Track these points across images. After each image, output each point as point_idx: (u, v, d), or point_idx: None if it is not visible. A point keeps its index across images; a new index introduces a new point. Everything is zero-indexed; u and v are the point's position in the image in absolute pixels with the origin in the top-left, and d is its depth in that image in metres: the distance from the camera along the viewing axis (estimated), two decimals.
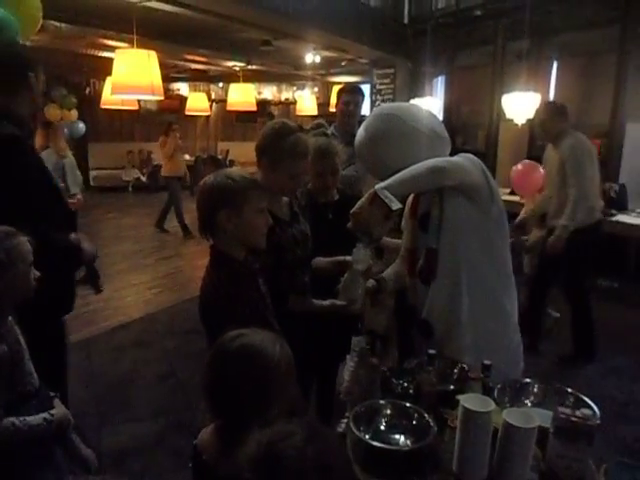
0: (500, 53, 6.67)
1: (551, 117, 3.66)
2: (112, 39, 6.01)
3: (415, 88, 7.66)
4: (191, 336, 3.97)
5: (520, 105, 5.48)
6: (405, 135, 1.74)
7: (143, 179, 11.62)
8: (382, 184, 1.59)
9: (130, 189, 11.28)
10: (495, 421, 1.22)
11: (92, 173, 11.50)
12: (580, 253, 3.62)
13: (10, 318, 1.66)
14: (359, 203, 1.61)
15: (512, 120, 5.63)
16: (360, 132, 1.84)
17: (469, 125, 7.55)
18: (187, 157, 11.99)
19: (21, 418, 1.59)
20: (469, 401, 1.22)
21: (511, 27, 6.26)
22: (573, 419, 1.18)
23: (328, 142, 2.29)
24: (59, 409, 1.75)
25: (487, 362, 1.48)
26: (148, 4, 4.75)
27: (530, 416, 1.18)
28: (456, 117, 7.74)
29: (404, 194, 1.65)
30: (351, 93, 3.39)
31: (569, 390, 1.46)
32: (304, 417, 0.98)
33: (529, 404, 1.50)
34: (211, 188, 1.58)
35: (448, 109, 7.76)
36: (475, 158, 1.70)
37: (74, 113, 8.06)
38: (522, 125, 5.71)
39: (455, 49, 7.51)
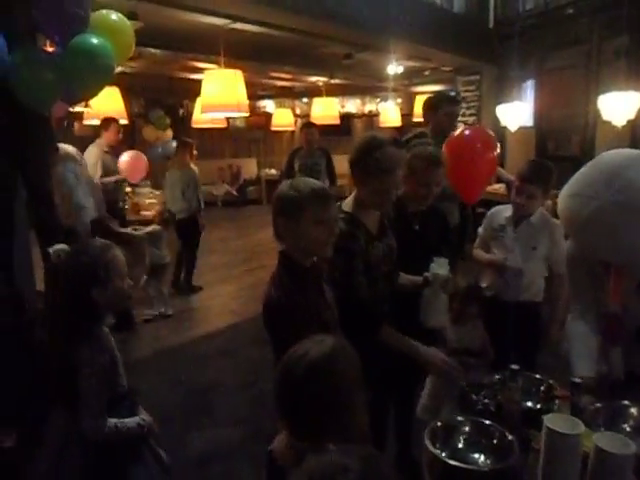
0: (596, 52, 6.26)
1: None
2: (202, 61, 6.32)
3: (502, 94, 7.36)
4: None
5: (619, 106, 5.11)
6: None
7: (234, 193, 12.07)
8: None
9: (219, 204, 11.75)
10: (586, 445, 1.12)
11: None
12: None
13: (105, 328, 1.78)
14: None
15: (610, 122, 5.26)
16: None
17: (562, 130, 7.12)
18: (274, 172, 12.35)
19: (120, 420, 1.70)
20: (555, 422, 1.12)
21: (608, 24, 5.86)
22: None
23: (437, 152, 2.22)
24: (146, 415, 1.85)
25: (577, 380, 1.36)
26: (234, 26, 4.95)
27: (625, 441, 1.07)
28: (547, 122, 7.34)
29: None
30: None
31: None
32: (365, 448, 0.93)
33: (628, 429, 1.36)
34: (275, 196, 1.63)
35: (539, 114, 7.38)
36: None
37: (168, 133, 8.58)
38: (622, 127, 5.31)
39: (545, 51, 7.14)
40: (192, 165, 5.75)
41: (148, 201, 6.51)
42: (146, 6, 4.23)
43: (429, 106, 3.35)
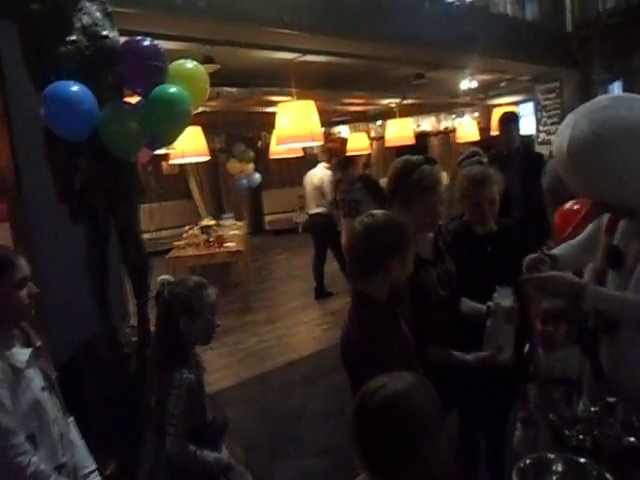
0: None
1: None
2: (275, 95, 6.55)
3: (586, 99, 6.92)
4: None
5: None
6: None
7: None
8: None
9: (300, 230, 11.97)
10: None
11: (266, 218, 12.53)
12: None
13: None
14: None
15: None
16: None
17: None
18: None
19: (200, 450, 1.75)
20: None
21: None
22: None
23: (484, 170, 2.17)
24: (226, 453, 1.90)
25: None
26: (303, 58, 5.10)
27: None
28: None
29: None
30: None
31: None
32: None
33: None
34: (381, 230, 1.54)
35: None
36: None
37: (251, 166, 8.96)
38: None
39: (631, 49, 6.73)
40: None
41: (232, 232, 6.77)
42: (221, 49, 4.48)
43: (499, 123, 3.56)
